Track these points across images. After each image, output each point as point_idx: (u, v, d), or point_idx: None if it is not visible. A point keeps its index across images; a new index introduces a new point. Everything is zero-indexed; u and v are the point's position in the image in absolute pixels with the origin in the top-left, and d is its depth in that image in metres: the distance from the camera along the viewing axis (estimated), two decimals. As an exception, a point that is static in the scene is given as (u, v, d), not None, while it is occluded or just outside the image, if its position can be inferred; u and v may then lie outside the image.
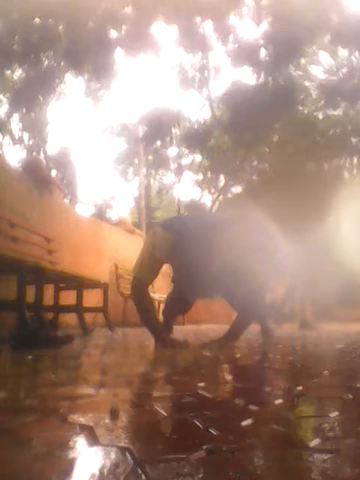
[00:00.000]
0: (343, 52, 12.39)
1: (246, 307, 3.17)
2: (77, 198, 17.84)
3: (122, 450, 0.71)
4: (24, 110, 12.75)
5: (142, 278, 3.10)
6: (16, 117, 14.40)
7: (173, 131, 14.27)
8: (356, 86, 11.46)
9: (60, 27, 11.03)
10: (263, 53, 11.81)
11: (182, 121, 14.43)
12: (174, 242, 2.97)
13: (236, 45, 12.04)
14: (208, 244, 2.97)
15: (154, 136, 13.21)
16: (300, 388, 1.31)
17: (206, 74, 13.13)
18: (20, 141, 15.13)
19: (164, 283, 5.74)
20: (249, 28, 12.10)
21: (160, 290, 7.06)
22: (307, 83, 13.02)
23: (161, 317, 3.67)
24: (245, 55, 11.82)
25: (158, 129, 12.88)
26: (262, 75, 12.03)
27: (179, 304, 3.60)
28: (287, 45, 10.81)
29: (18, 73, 12.51)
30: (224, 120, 12.80)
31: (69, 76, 12.66)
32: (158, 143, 14.15)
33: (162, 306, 5.28)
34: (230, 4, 11.02)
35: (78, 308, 4.34)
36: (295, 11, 10.23)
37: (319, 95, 12.66)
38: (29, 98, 11.80)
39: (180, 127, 14.32)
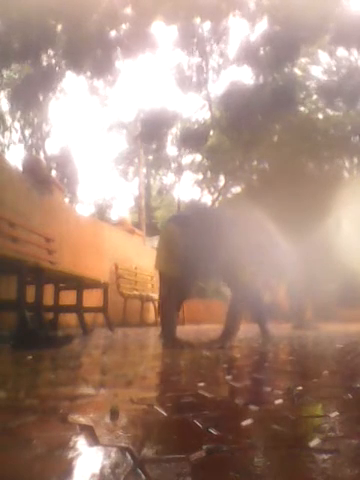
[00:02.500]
0: (343, 52, 12.40)
1: (236, 298, 3.26)
2: (77, 198, 17.86)
3: (122, 450, 0.71)
4: (23, 109, 12.76)
5: (173, 272, 3.18)
6: (16, 116, 14.41)
7: (173, 131, 14.28)
8: (356, 86, 11.46)
9: (60, 26, 11.03)
10: (262, 53, 11.80)
11: (181, 121, 14.44)
12: (188, 236, 3.09)
13: (235, 45, 12.05)
14: (212, 237, 3.09)
15: (151, 135, 13.21)
16: (300, 388, 1.31)
17: (205, 74, 13.14)
18: (20, 141, 15.14)
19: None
20: (249, 28, 12.07)
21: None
22: (307, 83, 13.02)
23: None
24: (244, 55, 11.82)
25: (155, 129, 12.88)
26: (261, 76, 12.03)
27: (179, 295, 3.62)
28: (286, 45, 10.81)
29: (16, 74, 12.51)
30: (223, 120, 12.80)
31: (70, 75, 12.67)
32: (156, 143, 14.15)
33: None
34: (230, 5, 11.03)
35: (78, 308, 4.34)
36: (295, 11, 10.23)
37: (319, 95, 12.66)
38: (28, 97, 11.80)
39: (179, 127, 14.33)
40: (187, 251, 3.12)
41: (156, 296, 6.58)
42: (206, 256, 3.10)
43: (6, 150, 14.58)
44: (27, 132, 15.32)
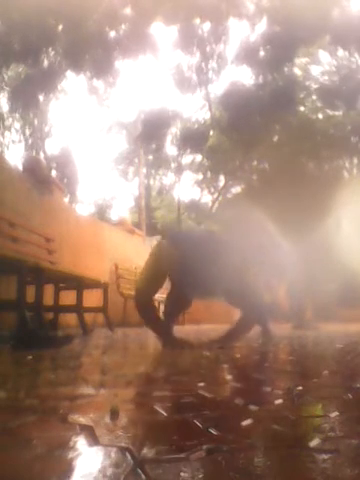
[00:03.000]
0: (343, 53, 12.38)
1: (249, 311, 3.19)
2: (77, 198, 17.86)
3: (122, 450, 0.71)
4: (23, 109, 12.76)
5: (148, 291, 3.17)
6: (16, 116, 14.41)
7: (173, 131, 14.28)
8: (356, 87, 11.45)
9: (60, 26, 11.03)
10: (262, 54, 11.80)
11: (181, 121, 14.44)
12: (179, 255, 3.01)
13: (235, 46, 12.05)
14: (211, 256, 3.02)
15: (151, 136, 13.21)
16: (300, 388, 1.31)
17: (205, 75, 13.14)
18: (20, 140, 15.15)
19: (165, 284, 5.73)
20: (248, 29, 12.07)
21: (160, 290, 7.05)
22: (307, 83, 13.02)
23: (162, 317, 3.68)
24: (244, 56, 11.82)
25: (155, 129, 12.87)
26: (261, 76, 12.03)
27: (179, 302, 3.60)
28: (286, 46, 10.80)
29: (14, 73, 12.51)
30: (223, 120, 12.80)
31: (70, 75, 12.67)
32: (156, 143, 14.14)
33: (162, 306, 5.28)
34: (229, 5, 11.02)
35: (78, 308, 4.34)
36: (294, 12, 10.23)
37: (319, 95, 12.65)
38: (28, 97, 11.80)
39: (179, 127, 14.33)
40: (182, 269, 3.04)
41: (156, 296, 6.57)
42: (205, 277, 3.02)
43: (6, 150, 14.59)
44: (27, 132, 15.32)
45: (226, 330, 3.24)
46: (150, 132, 13.01)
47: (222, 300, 3.66)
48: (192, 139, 13.38)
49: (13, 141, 14.95)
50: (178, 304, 3.59)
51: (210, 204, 16.81)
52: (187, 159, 16.88)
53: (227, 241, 3.22)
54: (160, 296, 6.63)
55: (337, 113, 12.77)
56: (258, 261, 3.30)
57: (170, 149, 16.24)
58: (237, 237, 3.28)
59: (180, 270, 3.03)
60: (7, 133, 14.71)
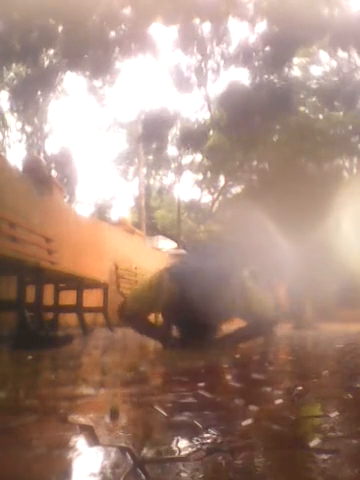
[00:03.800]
0: (343, 53, 12.38)
1: (260, 322, 3.11)
2: (77, 198, 17.87)
3: (122, 450, 0.71)
4: (23, 108, 12.76)
5: (139, 311, 3.15)
6: (16, 116, 14.41)
7: (173, 131, 14.28)
8: (355, 87, 11.45)
9: (59, 26, 11.03)
10: (261, 54, 11.80)
11: (181, 121, 14.45)
12: (181, 291, 2.96)
13: (235, 46, 12.05)
14: (215, 291, 2.95)
15: (151, 136, 13.21)
16: (300, 388, 1.31)
17: (204, 75, 13.14)
18: (20, 140, 15.15)
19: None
20: (248, 29, 12.07)
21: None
22: (307, 83, 13.02)
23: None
24: (243, 56, 11.82)
25: (156, 129, 12.87)
26: (261, 76, 12.03)
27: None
28: (286, 46, 10.80)
29: (14, 73, 12.51)
30: (223, 120, 12.80)
31: (70, 75, 12.68)
32: (156, 143, 14.14)
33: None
34: (229, 5, 11.02)
35: (78, 308, 4.33)
36: (294, 12, 10.22)
37: (319, 96, 12.65)
38: (28, 96, 11.80)
39: (179, 127, 14.33)
40: (181, 300, 2.99)
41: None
42: (206, 307, 2.96)
43: (6, 150, 14.58)
44: (27, 132, 15.33)
45: (230, 332, 3.21)
46: (150, 132, 13.01)
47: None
48: (192, 139, 13.38)
49: (13, 141, 14.95)
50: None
51: (210, 204, 16.83)
52: (187, 159, 16.90)
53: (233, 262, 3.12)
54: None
55: (337, 113, 12.77)
56: (258, 261, 3.30)
57: (170, 149, 16.26)
58: (240, 242, 3.22)
59: (176, 309, 2.99)
60: (7, 133, 14.71)
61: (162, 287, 3.01)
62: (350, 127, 12.10)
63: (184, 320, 3.04)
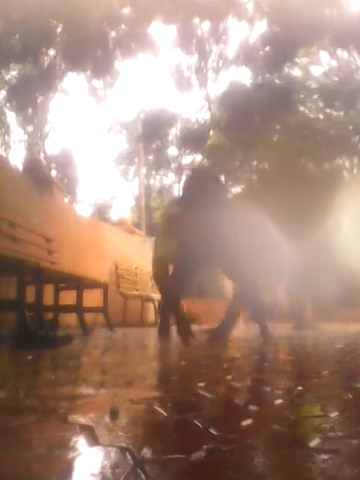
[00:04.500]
0: (343, 53, 12.38)
1: (240, 291, 3.24)
2: (77, 198, 17.87)
3: (122, 450, 0.71)
4: (23, 108, 12.76)
5: (164, 256, 3.18)
6: (16, 116, 14.41)
7: (173, 131, 14.29)
8: (356, 87, 11.45)
9: (60, 26, 11.03)
10: (261, 54, 11.80)
11: (181, 121, 14.45)
12: (187, 220, 3.05)
13: (235, 46, 12.05)
14: (215, 222, 3.05)
15: (152, 136, 13.21)
16: (300, 388, 1.31)
17: (204, 74, 13.14)
18: (20, 140, 15.16)
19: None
20: (248, 29, 12.07)
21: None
22: (307, 83, 13.02)
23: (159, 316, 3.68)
24: (243, 56, 11.82)
25: (156, 129, 12.88)
26: (261, 76, 12.03)
27: (180, 284, 3.58)
28: (286, 46, 10.80)
29: (14, 73, 12.52)
30: (223, 120, 12.80)
31: (70, 75, 12.68)
32: (156, 143, 14.15)
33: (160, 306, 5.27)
34: (229, 5, 11.02)
35: (78, 308, 4.33)
36: (294, 12, 10.22)
37: (319, 96, 12.65)
38: (28, 96, 11.80)
39: (179, 127, 14.34)
40: (188, 235, 3.09)
41: (156, 296, 6.58)
42: (209, 242, 3.06)
43: (6, 150, 14.58)
44: (27, 132, 15.33)
45: (221, 321, 3.27)
46: (150, 132, 13.01)
47: (219, 271, 3.69)
48: (192, 139, 13.39)
49: (14, 141, 14.96)
50: (180, 287, 3.57)
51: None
52: (187, 159, 16.90)
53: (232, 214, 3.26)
54: (158, 296, 6.65)
55: (337, 113, 12.77)
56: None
57: (170, 149, 16.26)
58: (238, 211, 3.33)
59: (191, 233, 3.05)
60: (7, 133, 14.71)
61: (174, 219, 3.10)
62: (350, 127, 12.10)
63: (195, 246, 3.10)
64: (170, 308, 3.25)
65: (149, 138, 13.48)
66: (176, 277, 3.55)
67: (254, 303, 3.76)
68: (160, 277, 3.31)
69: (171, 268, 3.59)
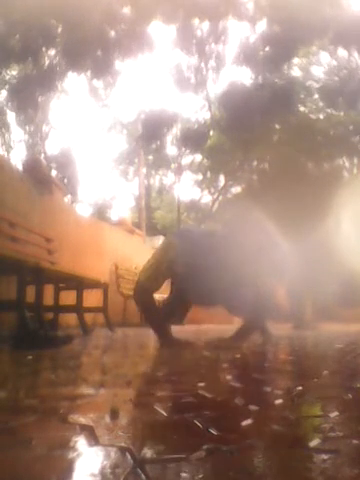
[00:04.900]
0: (344, 52, 12.39)
1: (254, 311, 3.17)
2: (77, 198, 17.86)
3: (122, 450, 0.71)
4: (23, 109, 12.76)
5: (150, 286, 3.15)
6: (16, 116, 14.41)
7: (173, 131, 14.28)
8: (356, 87, 11.45)
9: (60, 26, 11.03)
10: (261, 54, 11.80)
11: (181, 121, 14.44)
12: (189, 254, 2.98)
13: (235, 46, 12.06)
14: (218, 255, 2.99)
15: (152, 136, 13.21)
16: (300, 388, 1.31)
17: (204, 74, 13.14)
18: (20, 140, 15.16)
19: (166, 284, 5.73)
20: (247, 29, 12.07)
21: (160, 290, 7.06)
22: (307, 83, 13.02)
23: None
24: (243, 56, 11.82)
25: (156, 129, 12.87)
26: (261, 76, 12.03)
27: (179, 305, 3.58)
28: (286, 46, 10.81)
29: (14, 73, 12.52)
30: (223, 120, 12.80)
31: (70, 75, 12.68)
32: (156, 143, 14.14)
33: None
34: (229, 5, 11.02)
35: (78, 308, 4.34)
36: (294, 12, 10.22)
37: (320, 95, 12.66)
38: (28, 97, 11.80)
39: (179, 127, 14.33)
40: (186, 269, 3.02)
41: (156, 296, 6.57)
42: (210, 277, 2.98)
43: (6, 150, 14.59)
44: (28, 132, 15.33)
45: (233, 331, 3.24)
46: (150, 132, 13.01)
47: (222, 308, 3.62)
48: (192, 139, 13.38)
49: (14, 141, 14.96)
50: (178, 306, 3.58)
51: (210, 204, 16.81)
52: (187, 159, 16.89)
53: (232, 244, 3.18)
54: (160, 296, 6.64)
55: (337, 113, 12.77)
56: (258, 261, 3.30)
57: (170, 149, 16.26)
58: (238, 237, 3.27)
59: (185, 271, 3.01)
60: (7, 133, 14.72)
61: (169, 251, 3.04)
62: (351, 127, 12.10)
63: (190, 284, 3.05)
64: (155, 333, 3.19)
65: (149, 138, 13.47)
66: (166, 306, 3.52)
67: (260, 326, 3.71)
68: (142, 305, 3.26)
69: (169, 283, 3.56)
